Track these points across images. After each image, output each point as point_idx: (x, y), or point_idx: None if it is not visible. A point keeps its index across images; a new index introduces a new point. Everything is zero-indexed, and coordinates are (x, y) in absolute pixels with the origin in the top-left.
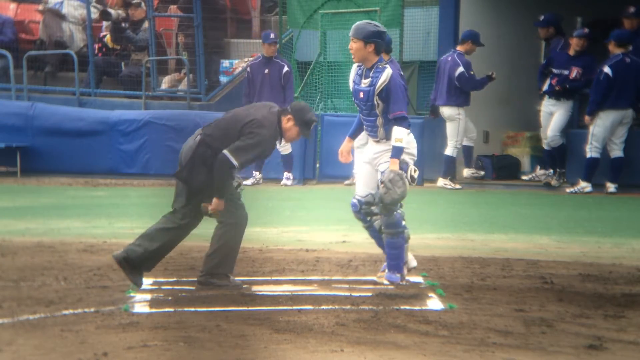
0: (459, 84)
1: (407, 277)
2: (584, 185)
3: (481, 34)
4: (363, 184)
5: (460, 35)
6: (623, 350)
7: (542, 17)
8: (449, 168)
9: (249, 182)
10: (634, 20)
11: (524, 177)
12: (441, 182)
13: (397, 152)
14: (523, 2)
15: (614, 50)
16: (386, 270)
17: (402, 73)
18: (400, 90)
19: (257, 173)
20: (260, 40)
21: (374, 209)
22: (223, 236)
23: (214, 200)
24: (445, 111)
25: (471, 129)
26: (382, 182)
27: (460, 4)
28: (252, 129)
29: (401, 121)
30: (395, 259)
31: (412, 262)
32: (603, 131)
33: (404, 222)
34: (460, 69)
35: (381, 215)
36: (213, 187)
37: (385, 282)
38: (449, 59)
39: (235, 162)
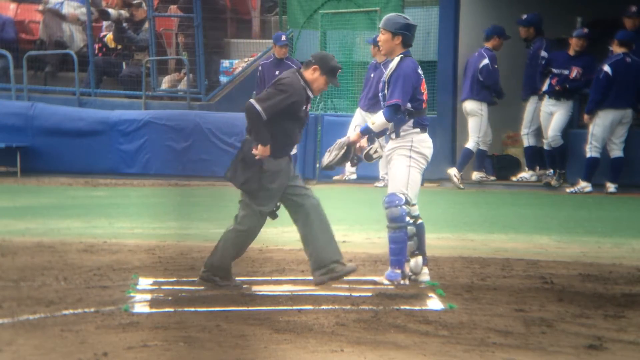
0: (481, 76)
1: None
2: (584, 185)
3: (481, 34)
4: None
5: (484, 33)
6: (623, 350)
7: (524, 16)
8: (465, 161)
9: None
10: (636, 20)
11: (513, 178)
12: (453, 171)
13: (365, 129)
14: (523, 3)
15: (617, 49)
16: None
17: (419, 71)
18: (403, 81)
19: None
20: (260, 40)
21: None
22: (230, 240)
23: (259, 147)
24: (468, 105)
25: (488, 133)
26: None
27: (460, 4)
28: (277, 82)
29: (390, 109)
30: (396, 254)
31: (425, 277)
32: (602, 131)
33: (408, 219)
34: (485, 60)
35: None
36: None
37: (385, 281)
38: (476, 54)
39: (258, 107)
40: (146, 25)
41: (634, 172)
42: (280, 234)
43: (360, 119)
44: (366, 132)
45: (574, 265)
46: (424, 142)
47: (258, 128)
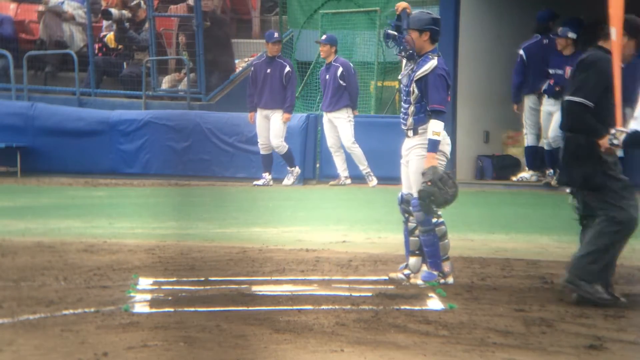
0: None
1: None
2: (528, 176)
3: (481, 34)
4: (404, 183)
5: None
6: (623, 350)
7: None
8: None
9: (259, 182)
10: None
11: (513, 178)
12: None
13: (432, 145)
14: (523, 2)
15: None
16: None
17: (447, 69)
18: (441, 85)
19: (267, 174)
20: (260, 40)
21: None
22: (599, 233)
23: (599, 142)
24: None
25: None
26: (429, 181)
27: (460, 4)
28: (579, 66)
29: (438, 114)
30: (431, 257)
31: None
32: (529, 116)
33: (434, 220)
34: None
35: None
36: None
37: (419, 281)
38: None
39: (578, 98)
40: (147, 25)
41: (634, 172)
42: (280, 234)
43: (330, 125)
44: (435, 146)
45: None
46: (442, 140)
47: (585, 121)
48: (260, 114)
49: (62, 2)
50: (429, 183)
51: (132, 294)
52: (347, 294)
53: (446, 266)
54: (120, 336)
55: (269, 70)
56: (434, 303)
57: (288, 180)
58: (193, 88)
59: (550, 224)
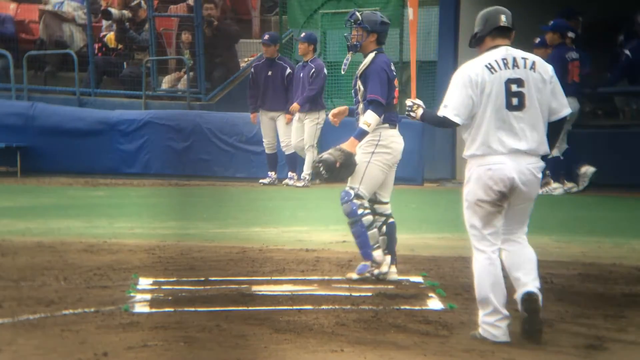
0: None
1: (407, 277)
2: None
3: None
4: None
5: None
6: (623, 350)
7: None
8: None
9: (265, 181)
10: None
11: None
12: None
13: (359, 133)
14: (523, 3)
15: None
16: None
17: (393, 68)
18: (379, 76)
19: (273, 173)
20: (260, 40)
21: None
22: None
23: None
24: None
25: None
26: (336, 156)
27: (460, 4)
28: None
29: (375, 106)
30: (362, 247)
31: (393, 276)
32: None
33: (360, 211)
34: None
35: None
36: None
37: (355, 276)
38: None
39: None
40: (147, 25)
41: (634, 172)
42: (280, 234)
43: (299, 124)
44: (361, 135)
45: (574, 265)
46: (392, 137)
47: None
48: (265, 115)
49: (62, 3)
50: (336, 156)
51: (132, 294)
52: (347, 294)
53: (378, 255)
54: (120, 336)
55: (270, 73)
56: (434, 303)
57: (290, 181)
58: (193, 88)
59: (550, 224)
